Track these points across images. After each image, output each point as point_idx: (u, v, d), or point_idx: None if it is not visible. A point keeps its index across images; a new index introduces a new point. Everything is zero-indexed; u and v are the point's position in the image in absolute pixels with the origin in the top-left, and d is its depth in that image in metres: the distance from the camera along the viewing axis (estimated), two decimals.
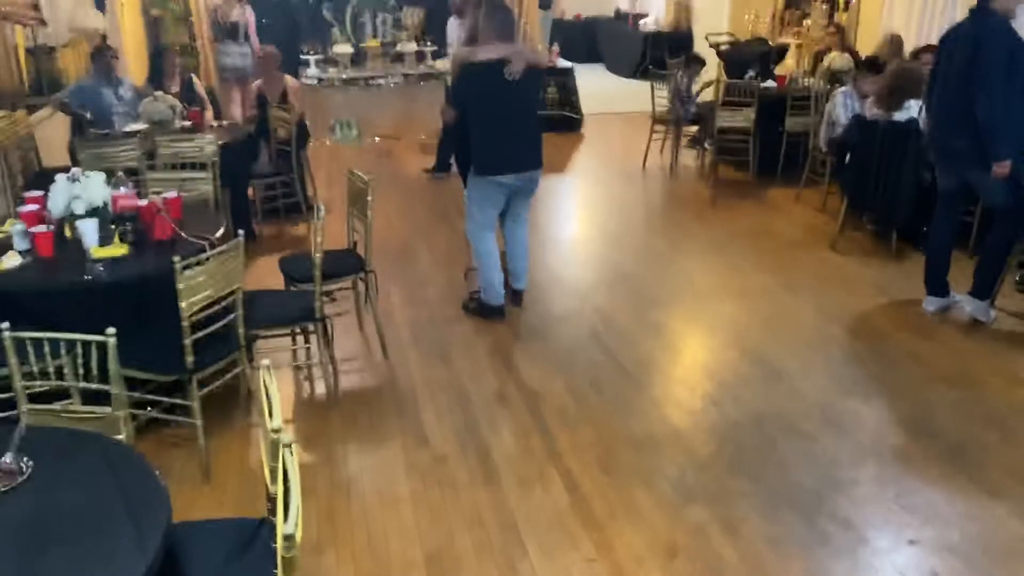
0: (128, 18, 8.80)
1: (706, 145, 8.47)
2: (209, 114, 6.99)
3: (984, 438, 3.63)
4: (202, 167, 5.19)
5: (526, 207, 4.88)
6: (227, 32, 8.80)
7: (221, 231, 3.86)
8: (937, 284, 4.95)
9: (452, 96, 4.60)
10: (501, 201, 4.70)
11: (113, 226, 3.59)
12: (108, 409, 2.76)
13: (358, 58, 10.34)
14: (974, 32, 4.43)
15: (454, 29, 7.61)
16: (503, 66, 4.35)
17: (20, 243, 3.52)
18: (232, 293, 3.40)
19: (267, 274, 4.87)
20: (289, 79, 7.25)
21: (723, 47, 10.27)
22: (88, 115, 6.20)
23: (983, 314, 4.78)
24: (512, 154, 4.57)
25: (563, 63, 10.61)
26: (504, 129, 4.53)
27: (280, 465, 1.91)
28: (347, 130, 9.65)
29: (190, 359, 3.25)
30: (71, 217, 3.55)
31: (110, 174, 3.88)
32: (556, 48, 10.82)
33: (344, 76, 9.36)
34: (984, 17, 4.42)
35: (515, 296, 5.01)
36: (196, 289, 3.16)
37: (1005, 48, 4.33)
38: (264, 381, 2.22)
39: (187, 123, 6.26)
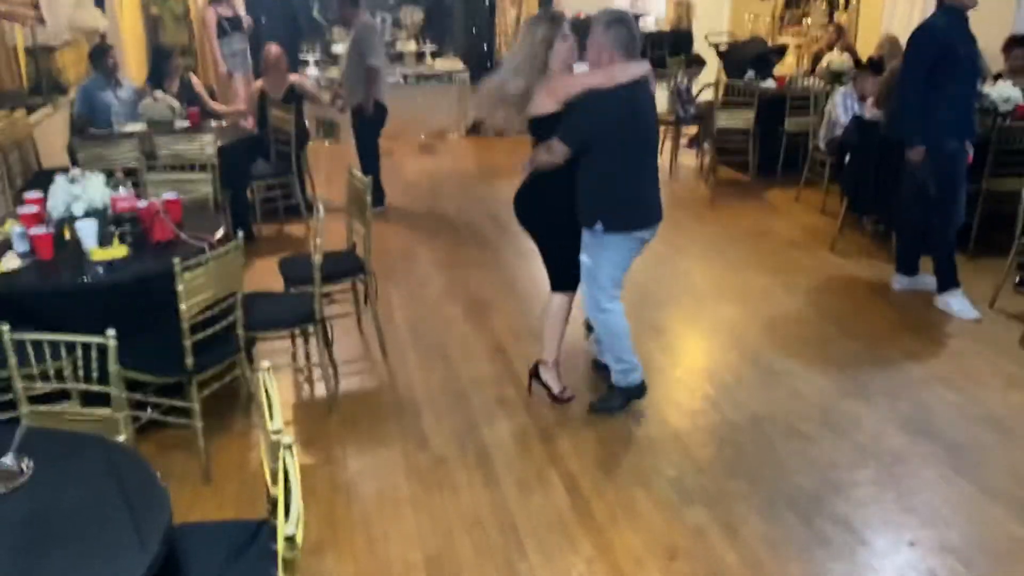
0: (127, 17, 8.80)
1: (705, 146, 8.47)
2: (217, 105, 7.03)
3: (983, 439, 3.63)
4: (202, 168, 5.19)
5: None
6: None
7: (221, 232, 3.86)
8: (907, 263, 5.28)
9: (572, 132, 3.46)
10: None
11: (113, 227, 3.59)
12: (108, 411, 2.77)
13: None
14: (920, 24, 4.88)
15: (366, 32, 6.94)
16: (642, 89, 3.48)
17: (19, 245, 3.52)
18: (232, 295, 3.40)
19: (266, 275, 4.86)
20: (295, 77, 7.27)
21: (723, 47, 10.28)
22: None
23: (966, 310, 4.82)
24: (653, 201, 3.68)
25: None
26: (644, 170, 3.63)
27: (280, 467, 1.91)
28: (328, 130, 9.71)
29: (190, 361, 3.25)
30: (70, 219, 3.55)
31: (109, 175, 3.88)
32: None
33: (341, 77, 9.36)
34: (935, 9, 4.74)
35: (604, 368, 4.02)
36: (196, 291, 3.16)
37: (931, 40, 4.64)
38: (264, 383, 2.22)
39: (186, 123, 6.27)
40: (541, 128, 3.56)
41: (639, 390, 3.87)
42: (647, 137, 3.64)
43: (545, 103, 3.52)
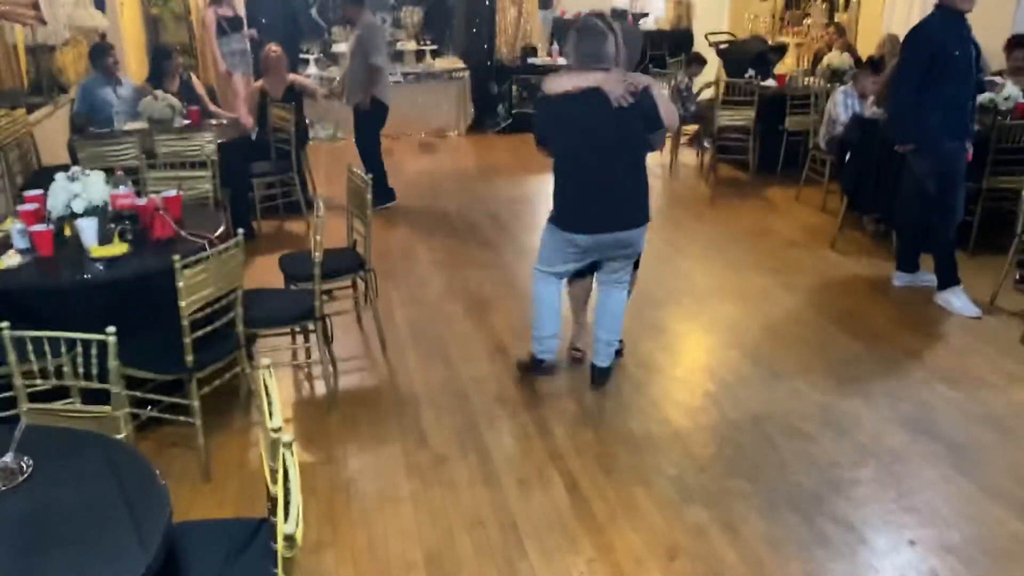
0: (128, 17, 8.79)
1: (705, 144, 8.47)
2: (212, 108, 7.02)
3: (983, 438, 3.63)
4: (202, 166, 5.19)
5: (625, 270, 3.99)
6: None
7: (221, 229, 3.86)
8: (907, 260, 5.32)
9: (533, 128, 3.85)
10: (574, 260, 3.90)
11: (112, 225, 3.59)
12: (108, 408, 2.76)
13: None
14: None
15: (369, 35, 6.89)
16: (586, 99, 3.54)
17: (20, 242, 3.52)
18: (232, 292, 3.39)
19: (267, 273, 4.86)
20: (294, 76, 7.29)
21: (723, 46, 10.28)
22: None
23: (966, 307, 4.82)
24: (592, 210, 3.70)
25: (563, 62, 10.59)
26: (585, 177, 3.69)
27: (280, 465, 1.91)
28: (328, 130, 9.67)
29: (190, 358, 3.24)
30: (70, 216, 3.54)
31: (109, 173, 3.88)
32: (556, 48, 10.83)
33: (343, 75, 9.36)
34: (933, 10, 4.80)
35: (594, 375, 4.08)
36: (196, 288, 3.16)
37: (925, 40, 4.69)
38: (264, 380, 2.22)
39: (186, 122, 6.26)
40: None
41: (535, 363, 4.13)
42: (589, 149, 3.63)
43: None
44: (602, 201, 3.70)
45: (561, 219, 3.80)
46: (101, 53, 6.63)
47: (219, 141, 5.58)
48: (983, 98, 5.53)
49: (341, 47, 10.36)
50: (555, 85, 3.63)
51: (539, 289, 4.03)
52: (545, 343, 4.07)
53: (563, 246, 3.85)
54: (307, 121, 7.76)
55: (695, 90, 8.67)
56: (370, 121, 6.99)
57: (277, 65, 7.01)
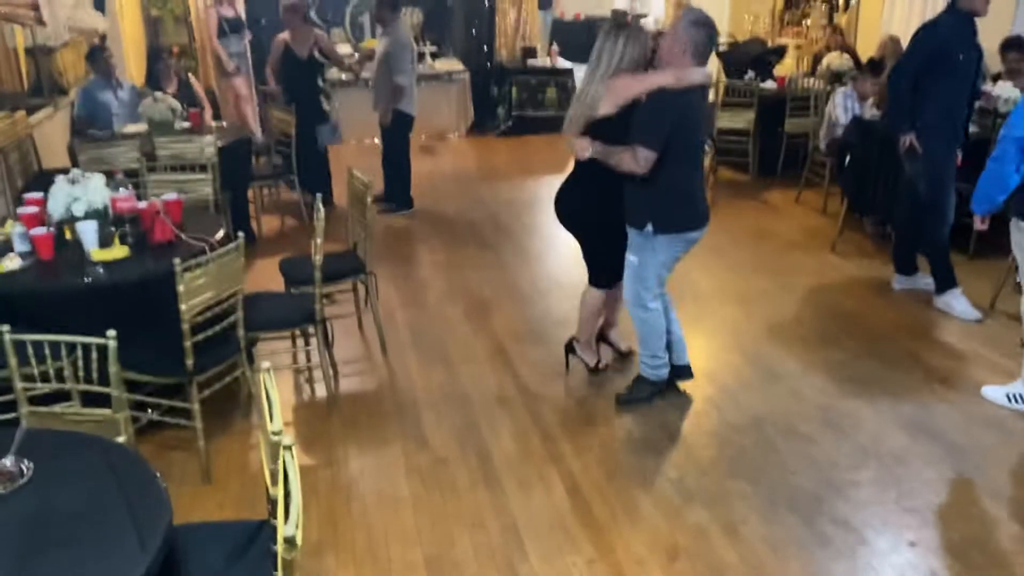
0: (128, 18, 8.79)
1: (705, 147, 8.47)
2: (208, 114, 6.99)
3: (984, 440, 3.63)
4: (202, 169, 5.19)
5: None
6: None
7: (221, 233, 3.86)
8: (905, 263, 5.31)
9: (654, 135, 3.41)
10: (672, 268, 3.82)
11: (113, 228, 3.59)
12: (108, 411, 2.76)
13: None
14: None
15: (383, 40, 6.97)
16: (703, 92, 3.63)
17: (20, 245, 3.52)
18: (232, 295, 3.40)
19: (267, 276, 4.87)
20: (318, 33, 7.15)
21: (722, 48, 10.27)
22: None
23: (967, 310, 4.83)
24: (703, 203, 3.72)
25: (563, 63, 10.63)
26: (696, 173, 3.70)
27: (280, 467, 1.91)
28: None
29: (190, 362, 3.24)
30: (71, 219, 3.55)
31: (110, 176, 3.88)
32: (556, 48, 10.85)
33: (343, 76, 9.36)
34: (945, 10, 4.80)
35: (684, 373, 4.06)
36: (196, 291, 3.16)
37: (932, 38, 4.69)
38: (264, 383, 2.22)
39: (187, 124, 6.26)
40: (598, 130, 3.58)
41: (664, 384, 3.98)
42: (700, 141, 3.81)
43: (604, 106, 3.55)
44: (704, 192, 3.83)
45: (691, 219, 3.64)
46: (97, 55, 6.63)
47: (220, 144, 5.58)
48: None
49: (343, 48, 10.35)
50: (688, 77, 3.44)
51: (660, 319, 3.81)
52: (665, 366, 3.95)
53: (679, 252, 3.70)
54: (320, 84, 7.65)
55: None
56: (396, 131, 7.03)
57: (298, 19, 6.81)
